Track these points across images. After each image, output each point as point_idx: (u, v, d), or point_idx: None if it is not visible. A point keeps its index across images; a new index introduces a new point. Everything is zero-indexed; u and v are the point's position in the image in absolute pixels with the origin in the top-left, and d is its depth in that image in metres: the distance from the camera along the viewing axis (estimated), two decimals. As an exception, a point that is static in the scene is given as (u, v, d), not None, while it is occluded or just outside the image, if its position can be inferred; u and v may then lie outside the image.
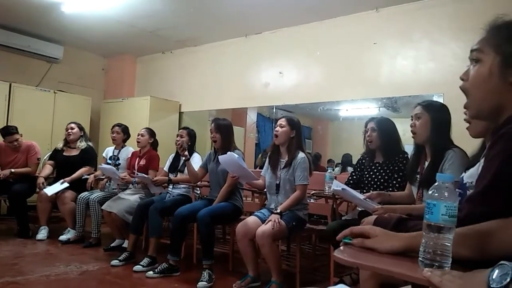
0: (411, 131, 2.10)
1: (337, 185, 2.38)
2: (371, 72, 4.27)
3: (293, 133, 2.85)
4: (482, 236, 0.78)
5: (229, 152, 2.92)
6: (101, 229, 3.92)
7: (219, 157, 2.98)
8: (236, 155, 2.89)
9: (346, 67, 4.45)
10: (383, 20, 4.21)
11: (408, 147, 2.55)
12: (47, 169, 4.20)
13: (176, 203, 3.32)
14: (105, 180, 4.09)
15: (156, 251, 3.24)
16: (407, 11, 4.05)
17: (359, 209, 2.55)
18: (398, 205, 2.06)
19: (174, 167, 3.71)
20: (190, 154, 3.46)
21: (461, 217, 0.80)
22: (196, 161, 3.50)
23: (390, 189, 2.51)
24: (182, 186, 3.64)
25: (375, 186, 2.58)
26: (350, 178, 2.79)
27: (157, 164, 3.87)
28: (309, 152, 3.38)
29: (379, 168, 2.61)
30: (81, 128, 4.34)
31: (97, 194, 3.91)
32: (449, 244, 0.77)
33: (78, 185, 4.06)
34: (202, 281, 2.78)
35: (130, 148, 4.21)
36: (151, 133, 3.97)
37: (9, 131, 4.15)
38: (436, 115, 2.03)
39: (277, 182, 2.88)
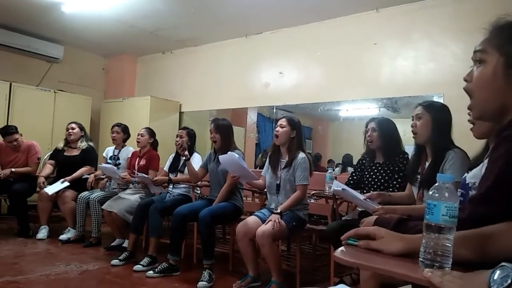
0: (412, 131, 2.10)
1: (337, 185, 2.38)
2: (371, 72, 4.27)
3: (293, 133, 2.85)
4: (484, 239, 0.79)
5: (229, 152, 2.92)
6: (101, 229, 3.92)
7: (220, 157, 2.98)
8: (237, 155, 2.89)
9: (346, 67, 4.45)
10: (383, 21, 4.22)
11: (409, 148, 2.55)
12: (48, 169, 4.20)
13: (176, 203, 3.32)
14: (106, 179, 4.09)
15: (156, 250, 3.24)
16: (407, 12, 4.05)
17: (359, 209, 2.55)
18: (398, 206, 2.06)
19: (174, 167, 3.71)
20: (190, 154, 3.46)
21: (463, 218, 0.80)
22: (196, 161, 3.50)
23: (391, 189, 2.51)
24: (183, 186, 3.64)
25: (375, 186, 2.58)
26: (350, 178, 2.79)
27: (157, 164, 3.88)
28: (309, 152, 3.38)
29: (380, 168, 2.61)
30: (81, 128, 4.34)
31: (97, 194, 3.91)
32: (449, 245, 0.77)
33: (79, 185, 4.06)
34: (202, 281, 2.79)
35: (130, 148, 4.21)
36: (151, 133, 3.97)
37: (8, 131, 4.15)
38: (437, 116, 2.03)
39: (278, 182, 2.88)
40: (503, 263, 0.66)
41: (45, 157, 4.67)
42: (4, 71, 5.41)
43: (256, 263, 2.81)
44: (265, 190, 3.04)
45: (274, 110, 5.16)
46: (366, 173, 2.67)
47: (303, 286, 2.82)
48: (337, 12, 4.41)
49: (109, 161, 4.18)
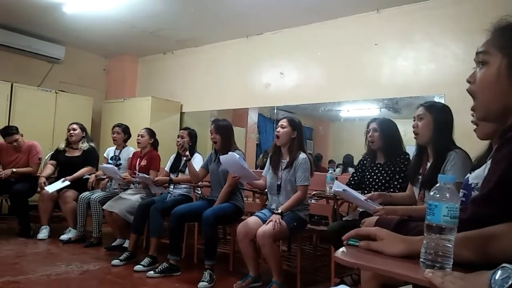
0: (414, 131, 2.10)
1: (338, 186, 2.38)
2: (372, 73, 4.27)
3: (294, 134, 2.85)
4: (485, 240, 0.79)
5: (230, 152, 2.92)
6: (102, 229, 3.93)
7: (220, 157, 2.99)
8: (237, 155, 2.89)
9: (347, 68, 4.45)
10: (384, 21, 4.22)
11: (409, 148, 2.55)
12: (49, 169, 4.20)
13: (177, 203, 3.32)
14: (106, 180, 4.10)
15: (157, 251, 3.24)
16: (408, 12, 4.05)
17: (360, 209, 2.55)
18: (399, 206, 2.06)
19: (175, 167, 3.71)
20: (191, 154, 3.47)
21: (464, 218, 0.80)
22: (197, 162, 3.50)
23: (392, 190, 2.51)
24: (183, 186, 3.65)
25: (376, 187, 2.58)
26: (351, 178, 2.78)
27: (158, 164, 3.88)
28: (310, 153, 3.38)
29: (381, 169, 2.61)
30: (83, 129, 4.34)
31: (98, 194, 3.91)
32: (450, 245, 0.77)
33: (80, 185, 4.07)
34: (203, 281, 2.78)
35: (131, 148, 4.22)
36: (151, 133, 3.98)
37: (8, 131, 4.15)
38: (438, 116, 2.03)
39: (278, 182, 2.88)
40: (504, 264, 0.66)
41: (46, 158, 4.67)
42: (5, 72, 5.42)
43: (257, 264, 2.81)
44: (266, 190, 3.04)
45: (275, 111, 5.16)
46: (367, 173, 2.67)
47: (303, 287, 2.82)
48: (338, 12, 4.41)
49: (110, 161, 4.18)
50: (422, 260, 0.79)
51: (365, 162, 2.75)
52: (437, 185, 0.80)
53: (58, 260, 3.30)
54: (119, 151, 4.20)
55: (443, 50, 3.83)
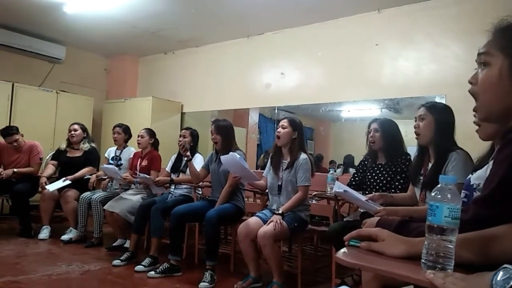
0: (415, 132, 2.10)
1: (339, 187, 2.37)
2: (373, 73, 4.27)
3: (295, 134, 2.85)
4: (486, 240, 0.78)
5: (231, 152, 2.92)
6: (103, 229, 3.93)
7: (221, 157, 2.99)
8: (238, 155, 2.89)
9: (348, 68, 4.45)
10: (385, 21, 4.22)
11: (410, 149, 2.55)
12: (50, 169, 4.20)
13: (177, 203, 3.32)
14: (107, 180, 4.10)
15: (157, 251, 3.24)
16: (409, 12, 4.05)
17: (361, 210, 2.55)
18: (400, 207, 2.06)
19: (176, 168, 3.71)
20: (192, 154, 3.47)
21: (466, 219, 0.80)
22: (198, 162, 3.50)
23: (393, 190, 2.50)
24: (184, 186, 3.65)
25: (377, 187, 2.58)
26: (352, 179, 2.78)
27: (159, 164, 3.88)
28: (311, 153, 3.38)
29: (382, 169, 2.60)
30: (84, 129, 4.34)
31: (99, 194, 3.92)
32: (451, 246, 0.77)
33: (81, 185, 4.07)
34: (204, 281, 2.78)
35: (132, 149, 4.22)
36: (151, 133, 3.98)
37: (8, 132, 4.16)
38: (440, 117, 2.03)
39: (279, 183, 2.88)
40: (505, 265, 0.66)
41: (47, 158, 4.68)
42: (6, 72, 5.42)
43: (258, 264, 2.81)
44: (267, 191, 3.04)
45: (276, 111, 5.16)
46: (368, 174, 2.66)
47: (304, 287, 2.82)
48: (339, 12, 4.41)
49: (111, 161, 4.18)
50: (423, 261, 0.79)
51: (366, 162, 2.74)
52: (438, 186, 0.80)
53: (59, 260, 3.30)
54: (120, 151, 4.21)
55: (444, 51, 3.83)
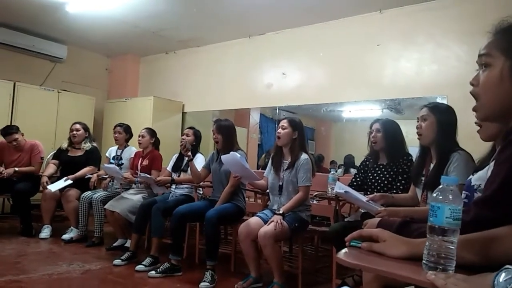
0: (417, 132, 2.09)
1: (340, 188, 2.37)
2: (374, 73, 4.27)
3: (295, 135, 2.85)
4: (488, 241, 0.78)
5: (231, 152, 2.92)
6: (104, 229, 3.93)
7: (222, 156, 2.99)
8: (238, 155, 2.89)
9: (349, 68, 4.44)
10: (386, 22, 4.21)
11: (412, 149, 2.54)
12: (51, 168, 4.21)
13: (178, 203, 3.32)
14: (108, 179, 4.10)
15: (158, 251, 3.24)
16: (410, 13, 4.04)
17: (362, 210, 2.55)
18: (401, 208, 2.05)
19: (178, 167, 3.72)
20: (194, 154, 3.47)
21: (467, 220, 0.80)
22: (200, 162, 3.50)
23: (394, 191, 2.50)
24: (185, 186, 3.65)
25: (378, 188, 2.58)
26: (353, 180, 2.78)
27: (160, 164, 3.89)
28: (312, 153, 3.38)
29: (383, 170, 2.60)
30: (86, 128, 4.35)
31: (100, 194, 3.92)
32: (453, 247, 0.76)
33: (82, 184, 4.07)
34: (204, 281, 2.78)
35: (133, 148, 4.22)
36: (152, 133, 3.98)
37: (7, 131, 4.15)
38: (442, 117, 2.03)
39: (280, 183, 2.88)
40: (507, 266, 0.65)
41: (48, 157, 4.68)
42: (8, 71, 5.43)
43: (258, 264, 2.81)
44: (267, 191, 3.04)
45: (277, 111, 5.16)
46: (370, 174, 2.66)
47: None
48: (340, 13, 4.40)
49: (112, 161, 4.19)
50: (424, 262, 0.79)
51: (367, 163, 2.74)
52: (440, 186, 0.80)
53: (59, 259, 3.31)
54: (121, 150, 4.21)
55: (445, 51, 3.82)
